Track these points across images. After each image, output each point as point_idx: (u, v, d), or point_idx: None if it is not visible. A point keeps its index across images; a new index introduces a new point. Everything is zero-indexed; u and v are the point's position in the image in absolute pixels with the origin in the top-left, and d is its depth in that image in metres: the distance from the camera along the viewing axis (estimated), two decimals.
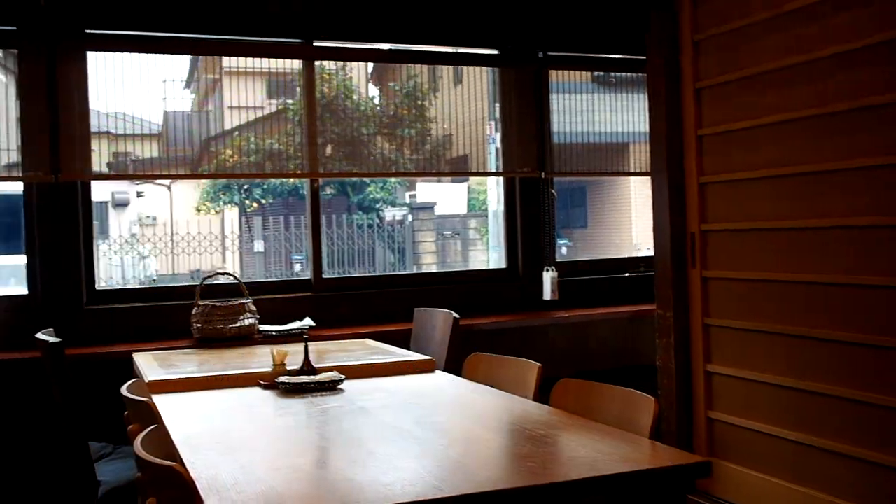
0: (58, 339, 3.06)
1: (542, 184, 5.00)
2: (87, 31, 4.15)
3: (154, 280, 13.95)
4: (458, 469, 1.91)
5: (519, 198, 4.99)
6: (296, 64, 4.65)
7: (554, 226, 5.05)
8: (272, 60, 4.62)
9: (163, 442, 2.10)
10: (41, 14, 4.03)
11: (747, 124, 3.44)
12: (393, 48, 4.89)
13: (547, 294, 4.85)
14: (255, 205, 15.19)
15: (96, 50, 4.19)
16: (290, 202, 14.84)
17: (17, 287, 5.57)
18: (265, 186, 14.88)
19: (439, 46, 4.93)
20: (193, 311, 3.94)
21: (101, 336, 4.08)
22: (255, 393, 2.77)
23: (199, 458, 1.96)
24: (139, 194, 17.92)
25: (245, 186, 15.05)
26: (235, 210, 15.71)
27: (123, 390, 2.52)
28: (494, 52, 4.99)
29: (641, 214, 13.98)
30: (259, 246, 13.89)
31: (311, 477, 1.91)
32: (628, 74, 5.39)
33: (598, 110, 5.27)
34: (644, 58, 3.91)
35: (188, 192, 17.20)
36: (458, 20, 4.80)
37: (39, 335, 3.19)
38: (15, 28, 4.04)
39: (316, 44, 4.55)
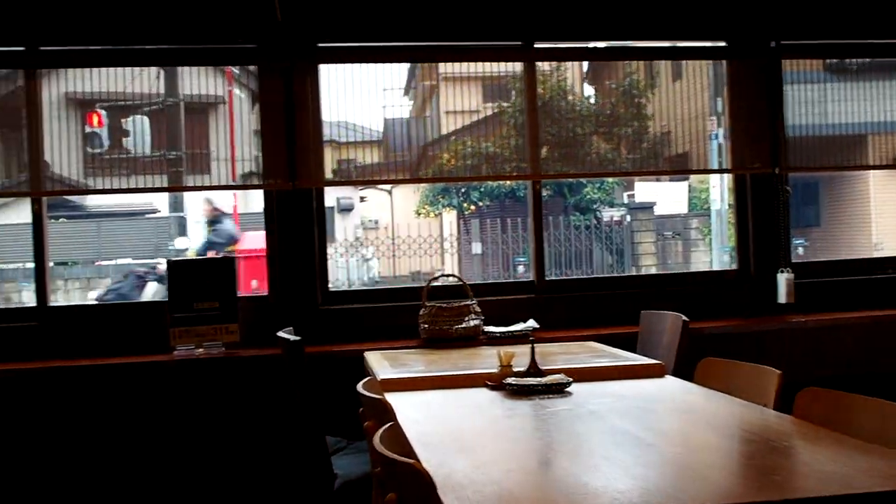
0: (297, 338, 3.21)
1: (775, 180, 4.74)
2: (320, 45, 4.35)
3: (377, 282, 14.51)
4: (697, 479, 1.82)
5: (750, 195, 4.76)
6: (513, 66, 4.67)
7: (789, 225, 4.77)
8: (488, 64, 4.66)
9: (397, 439, 2.14)
10: (278, 31, 4.27)
11: None
12: (610, 45, 4.80)
13: (782, 297, 4.59)
14: (472, 208, 15.45)
15: (327, 62, 4.39)
16: (506, 204, 14.99)
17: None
18: (482, 189, 15.10)
19: (658, 41, 4.79)
20: (420, 312, 4.04)
21: (334, 335, 4.26)
22: (483, 393, 2.79)
23: (434, 455, 1.99)
24: (362, 199, 18.71)
25: (462, 189, 15.34)
26: (453, 213, 16.06)
27: (359, 388, 2.60)
28: (721, 44, 4.78)
29: (883, 211, 12.98)
30: (477, 248, 14.12)
31: (543, 480, 1.89)
32: (868, 60, 5.01)
33: (834, 100, 4.93)
34: (892, 41, 3.60)
35: (408, 196, 17.75)
36: (679, 13, 4.65)
37: (280, 333, 3.37)
38: (255, 46, 4.30)
39: (536, 45, 4.55)
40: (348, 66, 4.43)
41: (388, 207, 18.92)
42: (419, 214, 16.47)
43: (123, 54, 4.29)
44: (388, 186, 18.27)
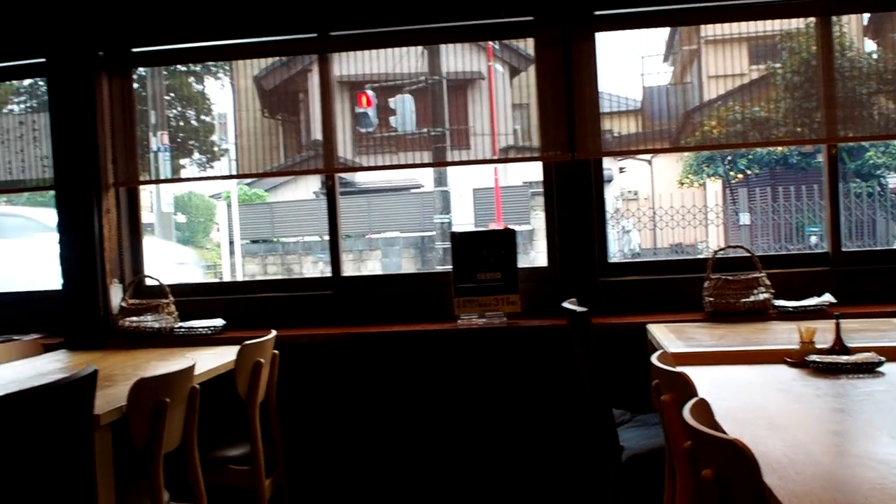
0: (584, 309, 3.21)
1: None
2: (596, 12, 4.28)
3: (637, 254, 14.28)
4: None
5: None
6: (779, 24, 4.36)
7: None
8: (753, 24, 4.37)
9: (700, 414, 2.08)
10: (555, 1, 4.24)
11: None
12: None
13: None
14: (739, 176, 14.77)
15: (603, 30, 4.32)
16: (777, 172, 14.22)
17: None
18: (750, 157, 14.40)
19: None
20: (705, 285, 3.91)
21: (613, 306, 4.22)
22: (782, 370, 2.66)
23: (745, 432, 1.92)
24: (621, 170, 18.48)
25: (728, 158, 14.71)
26: (718, 182, 15.44)
27: (654, 360, 2.56)
28: None
29: None
30: (745, 218, 13.51)
31: (873, 464, 1.76)
32: None
33: None
34: None
35: (669, 166, 17.30)
36: None
37: (566, 304, 3.39)
38: (532, 18, 4.30)
39: None
40: (607, 35, 4.33)
41: (648, 178, 18.54)
42: (682, 184, 15.98)
43: (394, 36, 4.41)
44: (647, 156, 17.90)
